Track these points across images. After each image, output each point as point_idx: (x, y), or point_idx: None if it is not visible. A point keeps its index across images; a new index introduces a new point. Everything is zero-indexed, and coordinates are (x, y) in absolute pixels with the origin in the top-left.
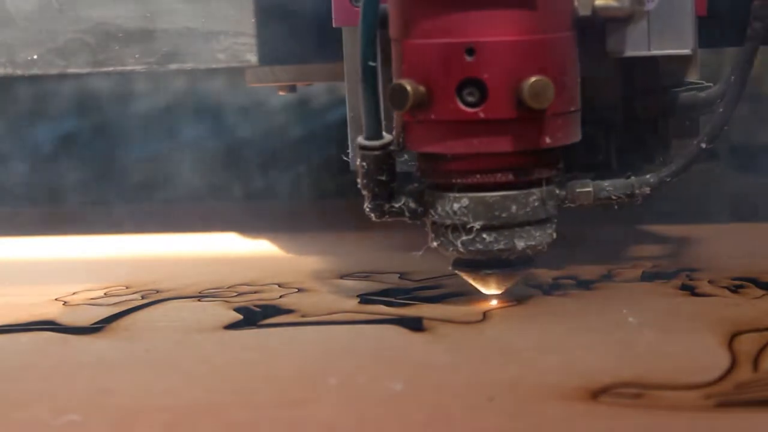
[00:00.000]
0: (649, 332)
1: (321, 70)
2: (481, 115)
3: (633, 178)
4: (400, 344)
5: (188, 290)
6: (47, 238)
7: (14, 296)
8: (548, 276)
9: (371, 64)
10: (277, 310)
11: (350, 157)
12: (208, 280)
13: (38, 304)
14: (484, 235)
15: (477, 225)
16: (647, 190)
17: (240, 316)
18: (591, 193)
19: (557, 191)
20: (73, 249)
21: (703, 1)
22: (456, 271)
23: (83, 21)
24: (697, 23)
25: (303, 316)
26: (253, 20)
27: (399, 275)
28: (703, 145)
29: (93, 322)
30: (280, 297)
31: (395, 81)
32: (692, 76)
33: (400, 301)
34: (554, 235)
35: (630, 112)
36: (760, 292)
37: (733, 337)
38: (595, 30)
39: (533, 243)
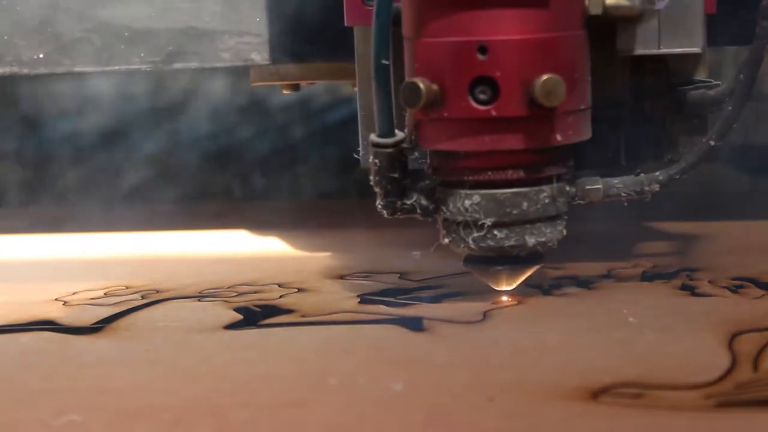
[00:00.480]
0: (649, 332)
1: (325, 70)
2: (493, 113)
3: (642, 175)
4: (400, 344)
5: (188, 290)
6: (47, 238)
7: (14, 296)
8: (548, 276)
9: (384, 62)
10: (277, 310)
11: (361, 155)
12: (208, 280)
13: (38, 304)
14: (495, 232)
15: (488, 222)
16: (656, 187)
17: (240, 316)
18: (601, 190)
19: (567, 188)
20: (73, 249)
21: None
22: (467, 268)
23: (88, 20)
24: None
25: (303, 316)
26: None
27: (399, 275)
28: (712, 143)
29: (93, 322)
30: (280, 297)
31: (408, 79)
32: (701, 75)
33: (400, 301)
34: (564, 232)
35: (639, 110)
36: (760, 292)
37: (733, 337)
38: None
39: (544, 239)
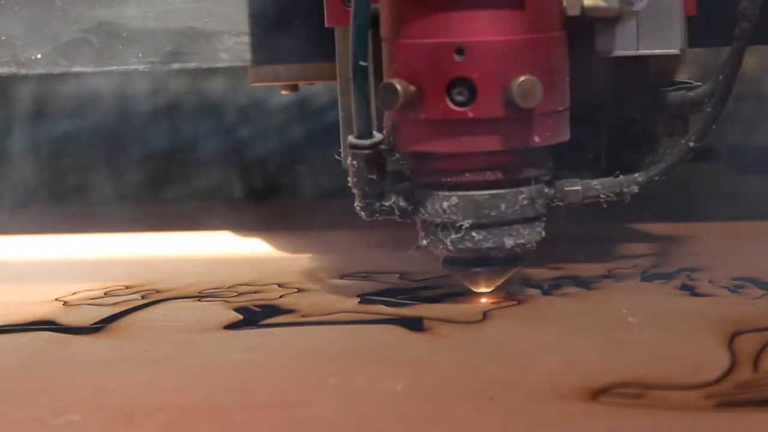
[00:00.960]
0: (649, 332)
1: (323, 70)
2: (471, 114)
3: (621, 176)
4: (400, 344)
5: (188, 290)
6: (47, 238)
7: (14, 296)
8: (548, 276)
9: (362, 63)
10: (277, 310)
11: (342, 156)
12: (208, 280)
13: (38, 304)
14: (473, 233)
15: (466, 223)
16: (636, 188)
17: (240, 316)
18: (580, 192)
19: (546, 190)
20: (73, 249)
21: (692, 1)
22: (445, 269)
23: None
24: (687, 23)
25: (303, 316)
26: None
27: (399, 275)
28: (692, 144)
29: (93, 322)
30: (280, 297)
31: (386, 80)
32: (681, 76)
33: (400, 301)
34: (543, 234)
35: (619, 111)
36: (760, 292)
37: (733, 337)
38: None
39: (522, 241)
